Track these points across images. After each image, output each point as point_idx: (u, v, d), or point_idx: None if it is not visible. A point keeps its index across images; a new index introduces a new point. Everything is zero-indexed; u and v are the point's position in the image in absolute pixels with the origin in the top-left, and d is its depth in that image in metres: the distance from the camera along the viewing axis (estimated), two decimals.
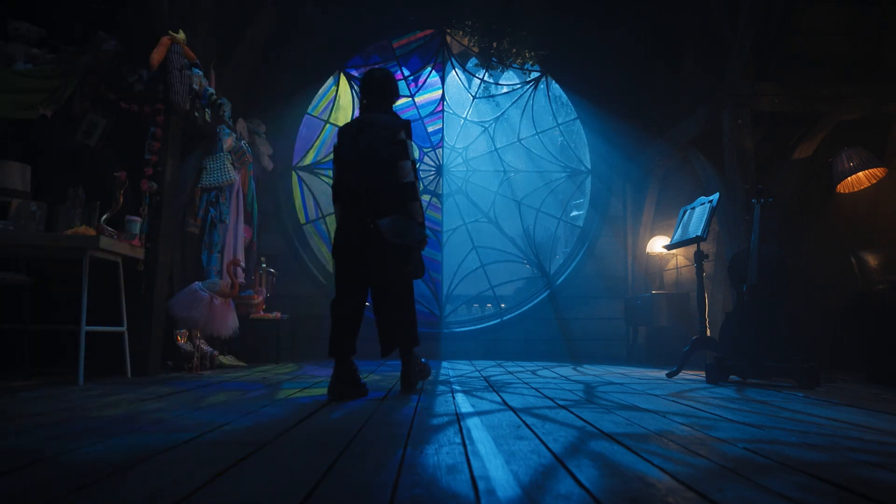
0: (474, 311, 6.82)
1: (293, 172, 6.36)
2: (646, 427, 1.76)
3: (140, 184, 3.59)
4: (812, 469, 1.23)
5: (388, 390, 2.82)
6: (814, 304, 4.28)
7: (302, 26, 6.06)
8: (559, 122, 6.76)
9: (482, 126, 6.72)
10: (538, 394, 2.69)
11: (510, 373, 4.04)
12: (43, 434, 1.54)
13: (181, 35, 3.80)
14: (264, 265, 5.43)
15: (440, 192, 6.40)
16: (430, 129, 6.53)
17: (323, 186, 6.52)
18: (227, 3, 4.89)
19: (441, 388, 2.98)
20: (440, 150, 6.46)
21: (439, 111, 6.51)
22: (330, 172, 6.48)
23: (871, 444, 1.55)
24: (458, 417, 1.94)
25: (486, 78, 6.63)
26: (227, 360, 4.53)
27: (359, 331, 2.72)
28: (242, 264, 4.24)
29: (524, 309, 6.30)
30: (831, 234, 4.50)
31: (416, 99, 6.59)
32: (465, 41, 6.53)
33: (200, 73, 4.06)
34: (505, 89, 6.72)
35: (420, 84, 6.59)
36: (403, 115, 6.52)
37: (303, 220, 6.32)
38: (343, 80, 6.53)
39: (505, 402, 2.35)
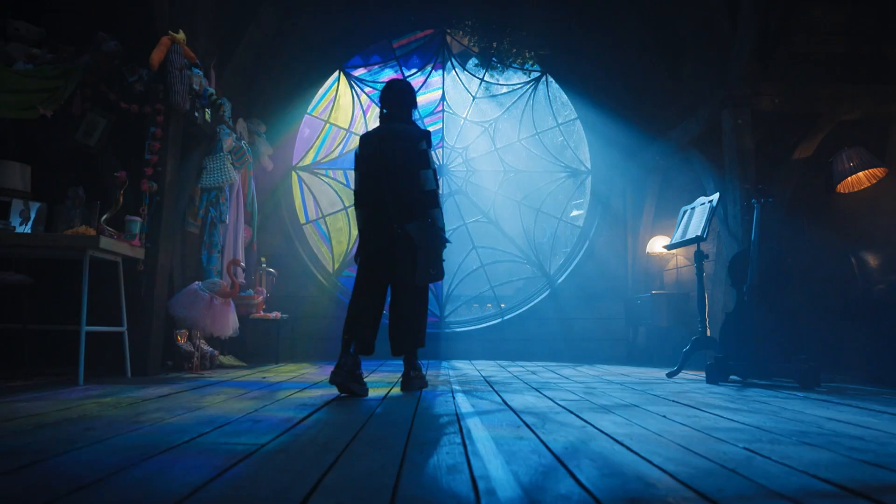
0: (474, 311, 6.82)
1: (293, 172, 6.37)
2: (646, 427, 1.76)
3: (140, 184, 3.59)
4: (812, 469, 1.23)
5: (388, 390, 2.82)
6: (814, 303, 4.28)
7: (302, 26, 6.06)
8: (559, 122, 6.76)
9: (482, 126, 6.72)
10: (538, 394, 2.69)
11: (510, 373, 4.04)
12: (43, 434, 1.54)
13: (181, 35, 3.80)
14: (264, 265, 5.43)
15: (440, 192, 6.40)
16: (430, 130, 6.53)
17: (323, 186, 6.52)
18: (227, 3, 4.89)
19: (441, 388, 2.98)
20: (440, 150, 6.46)
21: (439, 111, 6.51)
22: (330, 173, 6.49)
23: (871, 444, 1.55)
24: (459, 417, 1.94)
25: (486, 78, 6.63)
26: (227, 360, 4.53)
27: (376, 332, 2.79)
28: (242, 264, 4.24)
29: (524, 309, 6.30)
30: (831, 234, 4.49)
31: (417, 99, 6.58)
32: (465, 41, 6.53)
33: (200, 73, 4.06)
34: (505, 89, 6.72)
35: (420, 84, 6.59)
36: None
37: (303, 220, 6.32)
38: (343, 80, 6.53)
39: (505, 402, 2.35)
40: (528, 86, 6.67)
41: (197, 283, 3.81)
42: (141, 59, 3.66)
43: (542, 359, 5.80)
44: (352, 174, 6.65)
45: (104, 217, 3.33)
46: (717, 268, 4.73)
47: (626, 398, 2.54)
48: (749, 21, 4.28)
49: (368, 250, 2.82)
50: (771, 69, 4.41)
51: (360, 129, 6.56)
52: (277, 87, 6.07)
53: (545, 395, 2.61)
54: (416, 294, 2.86)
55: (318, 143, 6.55)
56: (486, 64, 6.53)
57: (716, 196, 3.86)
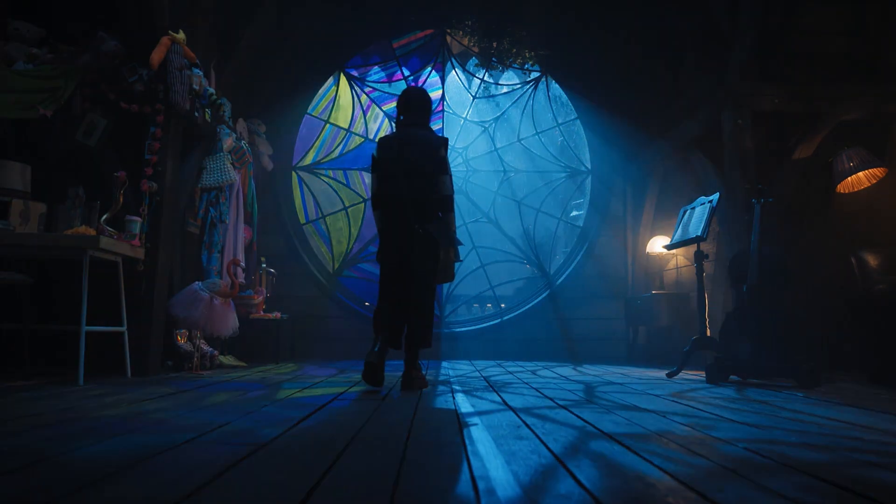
0: (474, 311, 6.83)
1: (293, 172, 6.37)
2: (646, 427, 1.76)
3: (140, 184, 3.59)
4: (812, 469, 1.23)
5: (389, 390, 2.82)
6: (814, 303, 4.28)
7: (302, 26, 6.06)
8: (559, 122, 6.76)
9: (482, 126, 6.72)
10: (538, 394, 2.69)
11: (510, 373, 4.04)
12: (43, 434, 1.54)
13: (181, 35, 3.80)
14: (264, 265, 5.43)
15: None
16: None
17: (323, 186, 6.52)
18: (227, 3, 4.89)
19: (441, 388, 2.98)
20: None
21: (439, 111, 6.51)
22: (330, 173, 6.49)
23: (871, 444, 1.55)
24: (458, 417, 1.94)
25: (486, 78, 6.63)
26: (227, 360, 4.53)
27: (403, 327, 2.95)
28: (242, 264, 4.24)
29: (524, 309, 6.30)
30: (831, 234, 4.49)
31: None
32: (465, 41, 6.53)
33: (200, 73, 4.06)
34: (505, 89, 6.72)
35: (420, 84, 6.59)
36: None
37: (303, 220, 6.32)
38: (343, 80, 6.53)
39: (505, 402, 2.35)
40: (528, 86, 6.67)
41: (197, 283, 3.81)
42: (141, 59, 3.66)
43: (541, 359, 5.80)
44: (352, 174, 6.70)
45: (104, 217, 3.33)
46: (717, 268, 4.73)
47: (626, 398, 2.54)
48: (749, 21, 4.29)
49: (390, 250, 2.94)
50: (771, 69, 4.41)
51: (360, 129, 6.56)
52: (277, 87, 6.08)
53: (545, 395, 2.61)
54: (429, 294, 2.96)
55: (318, 143, 6.55)
56: (486, 64, 6.53)
57: (716, 196, 3.86)
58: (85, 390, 2.62)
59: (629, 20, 5.83)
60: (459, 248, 3.02)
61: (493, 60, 6.48)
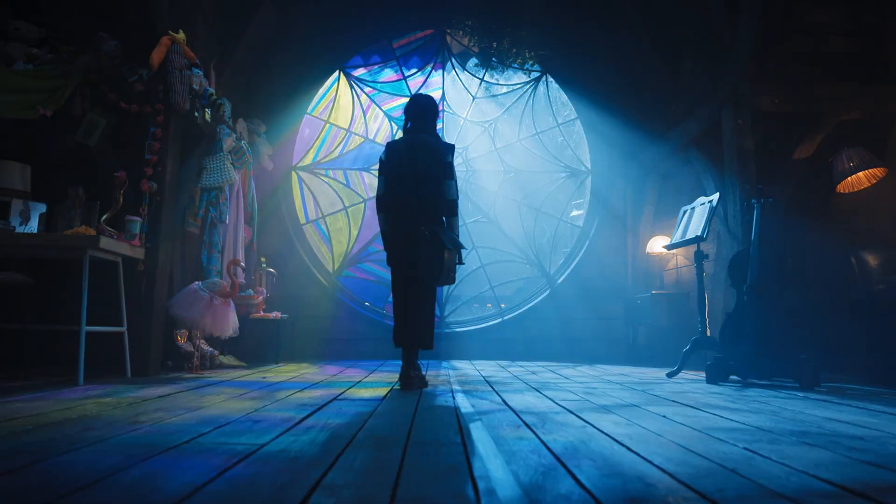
0: (474, 311, 6.82)
1: (293, 172, 6.37)
2: (646, 427, 1.76)
3: (140, 184, 3.59)
4: (812, 469, 1.23)
5: (389, 390, 2.82)
6: (814, 304, 4.28)
7: (302, 26, 6.06)
8: (559, 121, 6.76)
9: (482, 126, 6.72)
10: (538, 394, 2.69)
11: (510, 373, 4.04)
12: (43, 434, 1.54)
13: (181, 35, 3.80)
14: (264, 265, 5.43)
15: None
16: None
17: (323, 186, 6.52)
18: (227, 3, 4.89)
19: (441, 387, 2.98)
20: None
21: (439, 111, 6.50)
22: (330, 173, 6.49)
23: (871, 444, 1.55)
24: (459, 417, 1.94)
25: (486, 78, 6.63)
26: (227, 360, 4.53)
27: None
28: (242, 264, 4.24)
29: (524, 309, 6.30)
30: (831, 234, 4.49)
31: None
32: (465, 41, 6.53)
33: (200, 73, 4.06)
34: (505, 89, 6.72)
35: (420, 84, 6.59)
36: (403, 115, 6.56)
37: (303, 220, 6.32)
38: (343, 80, 6.53)
39: (505, 402, 2.35)
40: (528, 86, 6.67)
41: (197, 283, 3.81)
42: (141, 59, 3.66)
43: (541, 359, 5.80)
44: (352, 174, 6.70)
45: (104, 217, 3.33)
46: (717, 268, 4.73)
47: (625, 398, 2.54)
48: (749, 21, 4.28)
49: (399, 254, 3.03)
50: (771, 69, 4.41)
51: (360, 129, 6.56)
52: (277, 87, 6.07)
53: (545, 395, 2.61)
54: (430, 296, 3.05)
55: (318, 143, 6.55)
56: (486, 64, 6.53)
57: (716, 196, 3.86)
58: (85, 390, 2.62)
59: (629, 20, 5.83)
60: (462, 251, 3.09)
61: (493, 60, 6.48)
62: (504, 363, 5.17)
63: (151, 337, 3.56)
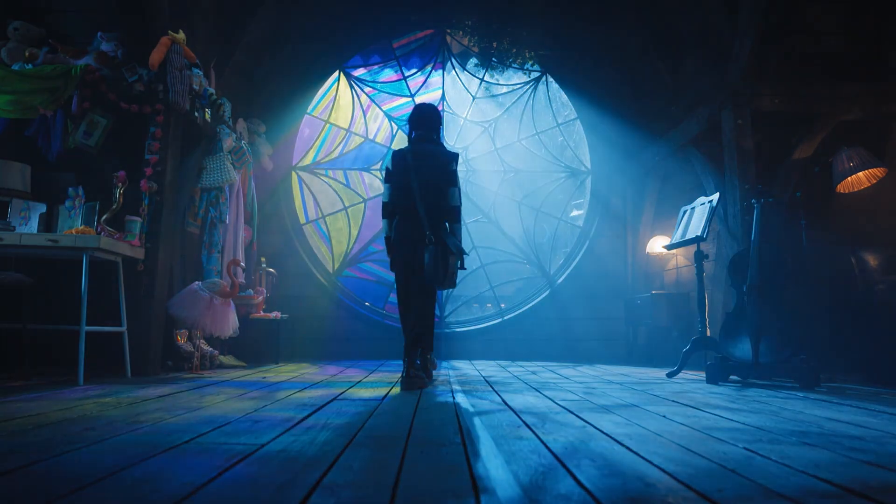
0: (474, 311, 6.82)
1: (293, 172, 6.37)
2: (646, 427, 1.76)
3: (140, 184, 3.59)
4: (812, 469, 1.23)
5: (388, 390, 2.82)
6: (814, 304, 4.28)
7: (302, 26, 6.06)
8: (559, 121, 6.76)
9: (482, 126, 6.72)
10: (538, 394, 2.69)
11: (510, 373, 4.04)
12: (43, 434, 1.54)
13: (181, 35, 3.80)
14: (264, 265, 5.43)
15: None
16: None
17: (323, 186, 6.52)
18: (227, 4, 4.89)
19: (441, 388, 2.98)
20: None
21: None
22: (330, 173, 6.50)
23: (871, 443, 1.55)
24: (458, 417, 1.94)
25: (486, 78, 6.63)
26: (227, 360, 4.53)
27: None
28: (242, 264, 4.24)
29: (524, 309, 6.30)
30: (831, 234, 4.49)
31: (416, 99, 6.59)
32: (465, 41, 6.53)
33: (200, 73, 4.06)
34: (505, 89, 6.72)
35: (420, 84, 6.59)
36: (404, 116, 6.59)
37: (303, 220, 6.32)
38: (343, 80, 6.53)
39: (505, 402, 2.35)
40: (528, 86, 6.67)
41: (197, 283, 3.81)
42: (141, 59, 3.66)
43: (541, 359, 5.80)
44: (352, 174, 6.70)
45: (104, 217, 3.33)
46: (717, 268, 4.73)
47: (625, 398, 2.54)
48: (749, 21, 4.28)
49: (404, 259, 3.12)
50: (771, 69, 4.41)
51: (360, 129, 6.56)
52: (277, 87, 6.07)
53: (545, 395, 2.61)
54: (431, 300, 3.19)
55: (318, 143, 6.55)
56: (486, 64, 6.53)
57: (716, 196, 3.86)
58: (85, 390, 2.62)
59: (629, 20, 5.83)
60: (464, 257, 3.20)
61: (493, 60, 6.48)
62: (504, 363, 5.17)
63: (151, 337, 3.56)
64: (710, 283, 4.67)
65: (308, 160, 6.48)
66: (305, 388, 2.90)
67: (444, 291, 6.30)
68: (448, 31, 6.51)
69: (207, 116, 4.25)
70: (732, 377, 3.52)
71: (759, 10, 4.25)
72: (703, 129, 4.73)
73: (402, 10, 6.37)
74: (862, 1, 4.59)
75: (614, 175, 6.42)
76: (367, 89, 6.56)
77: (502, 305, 6.49)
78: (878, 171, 4.20)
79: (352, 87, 6.53)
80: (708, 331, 3.86)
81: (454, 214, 3.15)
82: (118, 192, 3.36)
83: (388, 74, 6.67)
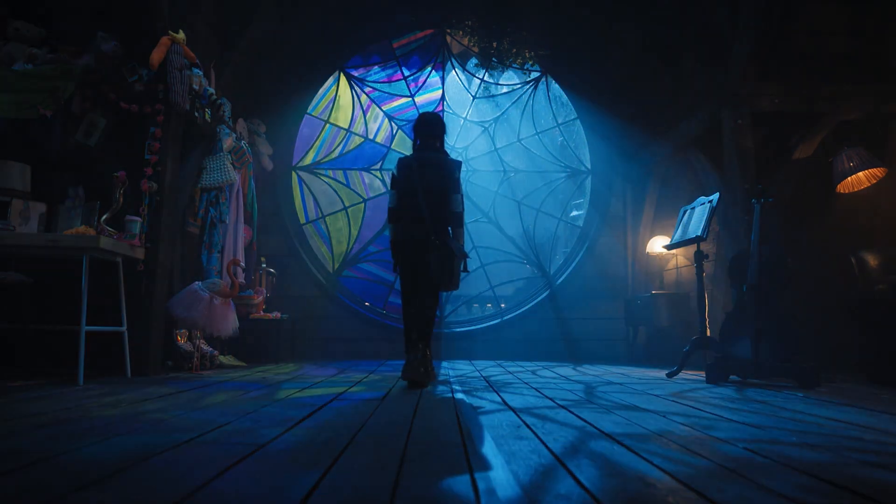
0: (474, 311, 6.82)
1: (293, 172, 6.37)
2: (646, 427, 1.76)
3: (140, 184, 3.59)
4: (812, 469, 1.23)
5: (388, 390, 2.82)
6: (814, 304, 4.28)
7: (302, 26, 6.06)
8: (559, 122, 6.76)
9: (482, 126, 6.72)
10: (538, 394, 2.69)
11: (510, 373, 4.04)
12: (43, 434, 1.54)
13: (181, 35, 3.80)
14: (264, 265, 5.43)
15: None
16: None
17: (323, 186, 6.52)
18: (227, 3, 4.89)
19: (441, 387, 2.98)
20: None
21: (439, 111, 6.51)
22: (330, 173, 6.50)
23: (871, 444, 1.55)
24: (458, 417, 1.94)
25: (486, 78, 6.63)
26: (227, 360, 4.53)
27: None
28: (242, 264, 4.24)
29: (524, 309, 6.30)
30: (831, 234, 4.49)
31: (416, 99, 6.59)
32: (465, 41, 6.53)
33: (200, 73, 4.06)
34: (505, 89, 6.72)
35: (420, 84, 6.59)
36: (404, 115, 6.60)
37: (303, 221, 6.32)
38: (343, 80, 6.53)
39: (505, 402, 2.35)
40: (528, 86, 6.67)
41: (197, 283, 3.81)
42: (141, 59, 3.66)
43: (541, 359, 5.80)
44: (352, 174, 6.71)
45: (104, 217, 3.33)
46: (717, 268, 4.73)
47: (626, 398, 2.54)
48: (749, 21, 4.28)
49: (408, 261, 3.29)
50: (771, 69, 4.41)
51: (360, 129, 6.56)
52: (277, 87, 6.08)
53: (545, 395, 2.61)
54: (435, 300, 3.38)
55: (318, 143, 6.55)
56: (486, 64, 6.53)
57: (716, 196, 3.86)
58: (85, 390, 2.62)
59: (629, 20, 5.83)
60: (467, 260, 3.35)
61: (493, 60, 6.48)
62: (504, 363, 5.17)
63: (151, 337, 3.56)
64: (710, 283, 4.67)
65: (308, 160, 6.48)
66: (305, 387, 2.90)
67: (445, 293, 6.30)
68: (448, 31, 6.51)
69: (207, 116, 4.25)
70: (732, 377, 3.52)
71: (759, 9, 4.25)
72: (703, 128, 4.73)
73: (402, 10, 6.37)
74: (862, 1, 4.59)
75: (614, 175, 6.42)
76: (367, 89, 6.56)
77: (502, 305, 6.49)
78: (878, 171, 4.20)
79: (352, 87, 6.53)
80: (708, 331, 3.86)
81: (457, 219, 3.30)
82: (118, 192, 3.36)
83: (389, 75, 6.68)
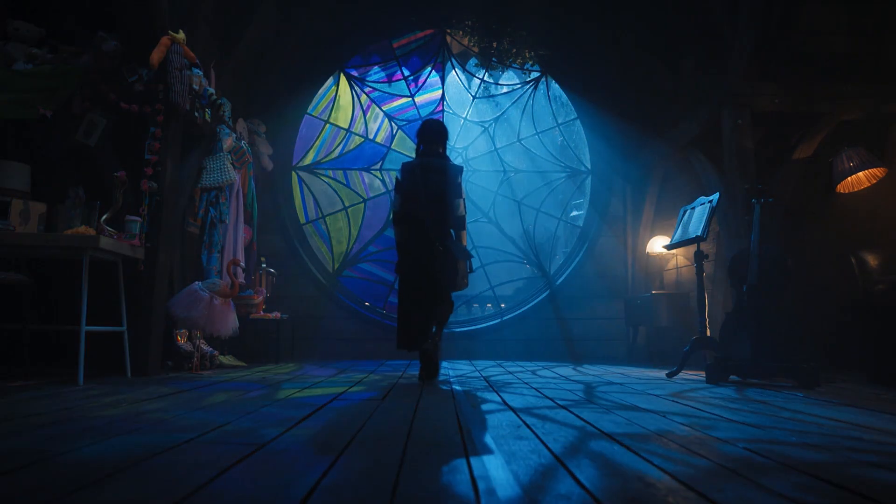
0: (474, 311, 6.82)
1: (293, 172, 6.37)
2: (646, 427, 1.76)
3: (140, 184, 3.59)
4: (812, 469, 1.23)
5: (389, 390, 2.82)
6: (814, 304, 4.28)
7: (302, 26, 6.06)
8: (559, 122, 6.76)
9: (482, 126, 6.72)
10: (538, 394, 2.69)
11: (510, 373, 4.04)
12: (43, 434, 1.54)
13: (181, 35, 3.80)
14: (264, 265, 5.43)
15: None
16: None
17: (323, 186, 6.52)
18: (227, 3, 4.89)
19: (441, 387, 2.98)
20: None
21: (439, 111, 6.51)
22: (330, 173, 6.50)
23: (871, 444, 1.55)
24: (458, 417, 1.94)
25: (486, 78, 6.63)
26: (227, 360, 4.53)
27: (430, 330, 3.38)
28: (242, 264, 4.24)
29: (524, 309, 6.30)
30: (831, 234, 4.49)
31: (416, 99, 6.59)
32: (465, 41, 6.53)
33: (200, 73, 4.06)
34: (505, 89, 6.72)
35: (420, 84, 6.59)
36: (404, 115, 6.60)
37: (303, 220, 6.32)
38: (343, 80, 6.53)
39: (505, 402, 2.35)
40: (528, 86, 6.67)
41: (197, 283, 3.81)
42: (141, 59, 3.66)
43: (541, 359, 5.80)
44: (352, 174, 6.71)
45: (104, 217, 3.33)
46: (717, 268, 4.73)
47: (625, 398, 2.54)
48: (749, 21, 4.28)
49: (411, 264, 3.38)
50: (771, 69, 4.41)
51: (360, 129, 6.57)
52: (277, 88, 6.07)
53: (545, 395, 2.61)
54: (448, 305, 3.49)
55: (317, 143, 6.55)
56: (486, 64, 6.53)
57: (716, 196, 3.86)
58: (85, 390, 2.62)
59: (629, 20, 5.83)
60: (471, 260, 3.48)
61: (493, 60, 6.48)
62: (504, 363, 5.17)
63: (151, 337, 3.56)
64: (710, 283, 4.67)
65: (308, 160, 6.48)
66: (305, 387, 2.90)
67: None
68: (448, 31, 6.51)
69: (207, 116, 4.25)
70: (732, 377, 3.52)
71: (758, 9, 4.25)
72: (703, 129, 4.73)
73: (401, 10, 6.37)
74: (862, 1, 4.59)
75: (614, 175, 6.42)
76: (367, 89, 6.56)
77: (502, 305, 6.49)
78: (878, 171, 4.20)
79: (352, 87, 6.53)
80: (708, 331, 3.86)
81: (459, 223, 3.42)
82: (118, 192, 3.36)
83: (389, 75, 6.68)
